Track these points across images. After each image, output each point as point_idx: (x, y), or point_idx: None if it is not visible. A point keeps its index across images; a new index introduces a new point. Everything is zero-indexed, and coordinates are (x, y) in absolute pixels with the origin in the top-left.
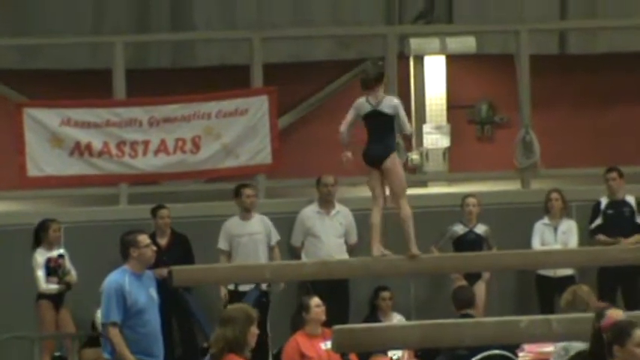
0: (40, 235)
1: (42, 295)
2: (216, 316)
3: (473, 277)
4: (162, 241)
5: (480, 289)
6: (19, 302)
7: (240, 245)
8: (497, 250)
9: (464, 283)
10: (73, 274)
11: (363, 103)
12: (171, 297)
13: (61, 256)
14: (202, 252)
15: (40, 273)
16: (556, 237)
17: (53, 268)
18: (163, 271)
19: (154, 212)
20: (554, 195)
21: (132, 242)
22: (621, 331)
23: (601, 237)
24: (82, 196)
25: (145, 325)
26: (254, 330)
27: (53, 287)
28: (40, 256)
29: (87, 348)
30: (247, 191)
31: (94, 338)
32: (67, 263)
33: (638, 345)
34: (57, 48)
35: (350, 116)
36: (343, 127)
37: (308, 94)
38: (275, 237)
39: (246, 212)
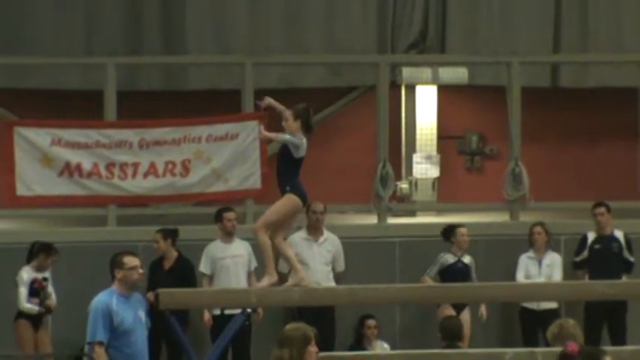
0: (34, 255)
1: (21, 314)
2: (203, 341)
3: (459, 306)
4: (167, 265)
5: (466, 318)
6: (2, 321)
7: (222, 268)
8: (478, 281)
9: (451, 312)
10: (53, 299)
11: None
12: (162, 320)
13: (45, 279)
14: None
15: (23, 290)
16: (540, 270)
17: (36, 290)
18: (152, 295)
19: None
20: (537, 229)
21: (117, 263)
22: None
23: (579, 273)
24: (71, 217)
25: (131, 346)
26: (311, 349)
27: (33, 308)
28: (27, 274)
29: None
30: (229, 215)
31: (78, 358)
32: (50, 287)
33: None
34: (49, 68)
35: None
36: None
37: None
38: (254, 263)
39: (227, 236)
